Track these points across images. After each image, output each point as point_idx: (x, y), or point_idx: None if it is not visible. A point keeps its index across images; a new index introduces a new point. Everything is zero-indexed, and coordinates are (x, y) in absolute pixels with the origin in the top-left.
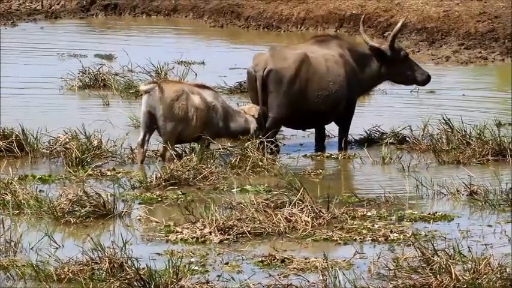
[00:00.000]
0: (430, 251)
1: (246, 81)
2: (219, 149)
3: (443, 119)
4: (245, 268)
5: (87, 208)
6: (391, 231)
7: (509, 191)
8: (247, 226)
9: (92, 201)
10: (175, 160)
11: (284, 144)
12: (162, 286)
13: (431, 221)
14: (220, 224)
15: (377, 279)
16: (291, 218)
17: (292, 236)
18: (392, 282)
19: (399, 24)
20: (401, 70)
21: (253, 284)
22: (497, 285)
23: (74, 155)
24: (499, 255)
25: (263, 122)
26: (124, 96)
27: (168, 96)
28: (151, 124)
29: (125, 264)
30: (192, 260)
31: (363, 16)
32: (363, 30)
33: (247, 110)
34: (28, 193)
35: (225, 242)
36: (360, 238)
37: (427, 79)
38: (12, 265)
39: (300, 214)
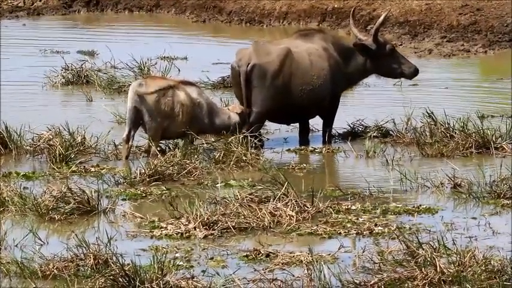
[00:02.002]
0: (414, 244)
1: (229, 76)
2: (203, 144)
3: (427, 112)
4: (230, 263)
5: (71, 205)
6: (375, 225)
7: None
8: (231, 221)
9: (76, 197)
10: (159, 156)
11: (268, 139)
12: (147, 282)
13: (416, 214)
14: (205, 219)
15: (362, 272)
16: (276, 213)
17: (277, 230)
18: (377, 275)
19: (382, 18)
20: (387, 64)
21: (239, 279)
22: (482, 277)
23: (57, 152)
24: (483, 248)
25: (247, 117)
26: (107, 93)
27: (155, 91)
28: (136, 120)
29: (109, 260)
30: (177, 255)
31: (352, 9)
32: (353, 23)
33: (231, 108)
34: (12, 190)
35: (209, 237)
36: (345, 232)
37: (414, 72)
38: None
39: (285, 208)
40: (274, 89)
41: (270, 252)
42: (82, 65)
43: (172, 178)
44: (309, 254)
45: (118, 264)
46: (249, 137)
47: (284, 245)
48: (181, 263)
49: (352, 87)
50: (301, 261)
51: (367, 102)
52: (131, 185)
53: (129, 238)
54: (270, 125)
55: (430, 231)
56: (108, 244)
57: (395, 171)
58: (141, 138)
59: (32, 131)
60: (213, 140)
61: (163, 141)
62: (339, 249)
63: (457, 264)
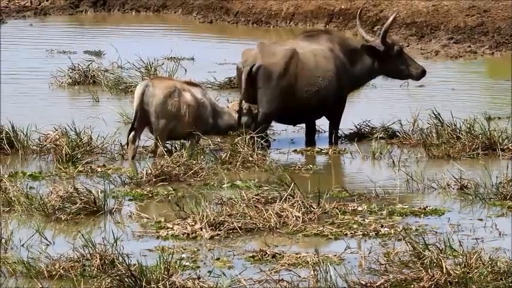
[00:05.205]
0: (421, 246)
1: (235, 76)
2: (209, 144)
3: (433, 114)
4: (236, 264)
5: (77, 205)
6: (381, 226)
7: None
8: (238, 222)
9: (82, 197)
10: (165, 156)
11: (274, 140)
12: (153, 282)
13: (422, 215)
14: (211, 219)
15: (368, 273)
16: (282, 213)
17: (283, 231)
18: (383, 276)
19: (390, 19)
20: (395, 65)
21: (245, 280)
22: (488, 279)
23: (64, 152)
24: (489, 249)
25: (247, 118)
26: (114, 93)
27: (161, 92)
28: (143, 120)
29: (116, 260)
30: (183, 255)
31: (359, 10)
32: (359, 25)
33: (231, 106)
34: (18, 190)
35: (215, 237)
36: (351, 233)
37: (422, 73)
38: (3, 262)
39: (291, 209)
40: (280, 89)
41: (276, 253)
42: (89, 65)
43: (179, 178)
44: (315, 254)
45: (124, 265)
46: (255, 138)
47: (290, 246)
48: (187, 263)
49: (359, 88)
50: (308, 262)
51: (373, 103)
52: (137, 185)
53: (135, 238)
54: (276, 126)
55: (436, 232)
56: (115, 244)
57: (402, 172)
58: (147, 139)
59: (39, 131)
60: (219, 140)
61: (169, 142)
62: (345, 250)
63: (463, 265)
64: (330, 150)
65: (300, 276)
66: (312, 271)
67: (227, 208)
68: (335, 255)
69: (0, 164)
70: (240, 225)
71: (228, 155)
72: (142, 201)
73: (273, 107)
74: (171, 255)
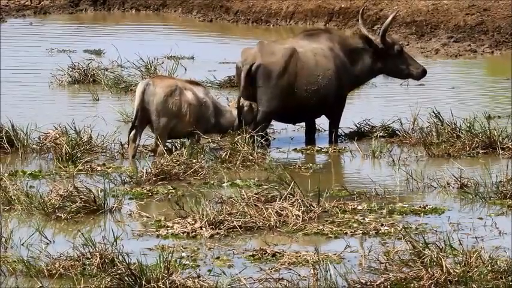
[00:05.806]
0: (421, 244)
1: (235, 75)
2: (209, 143)
3: (433, 112)
4: (236, 262)
5: (77, 203)
6: (381, 225)
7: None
8: (237, 220)
9: (82, 196)
10: (165, 155)
11: (274, 138)
12: (153, 281)
13: (422, 214)
14: (211, 218)
15: (368, 272)
16: (282, 212)
17: (283, 230)
18: (383, 275)
19: (390, 18)
20: (395, 64)
21: (245, 278)
22: (488, 277)
23: (64, 151)
24: (489, 248)
25: (248, 115)
26: (114, 92)
27: (162, 91)
28: (143, 119)
29: (115, 259)
30: (183, 254)
31: (361, 9)
32: (362, 23)
33: (232, 105)
34: (18, 189)
35: (215, 236)
36: (351, 232)
37: (422, 73)
38: (3, 261)
39: (291, 208)
40: (280, 88)
41: (276, 252)
42: (89, 64)
43: (179, 177)
44: (315, 253)
45: (124, 264)
46: (255, 137)
47: (290, 245)
48: (187, 262)
49: (359, 87)
50: (307, 261)
51: (373, 102)
52: (137, 184)
53: (135, 237)
54: (276, 125)
55: (436, 231)
56: (114, 243)
57: (402, 171)
58: (147, 137)
59: (39, 129)
60: (219, 139)
61: (169, 141)
62: (345, 249)
63: (463, 264)
64: (330, 149)
65: (300, 275)
66: (312, 270)
67: (227, 207)
68: (335, 254)
69: (0, 162)
70: (240, 224)
71: (228, 154)
72: (142, 200)
73: (273, 106)
74: (171, 254)
